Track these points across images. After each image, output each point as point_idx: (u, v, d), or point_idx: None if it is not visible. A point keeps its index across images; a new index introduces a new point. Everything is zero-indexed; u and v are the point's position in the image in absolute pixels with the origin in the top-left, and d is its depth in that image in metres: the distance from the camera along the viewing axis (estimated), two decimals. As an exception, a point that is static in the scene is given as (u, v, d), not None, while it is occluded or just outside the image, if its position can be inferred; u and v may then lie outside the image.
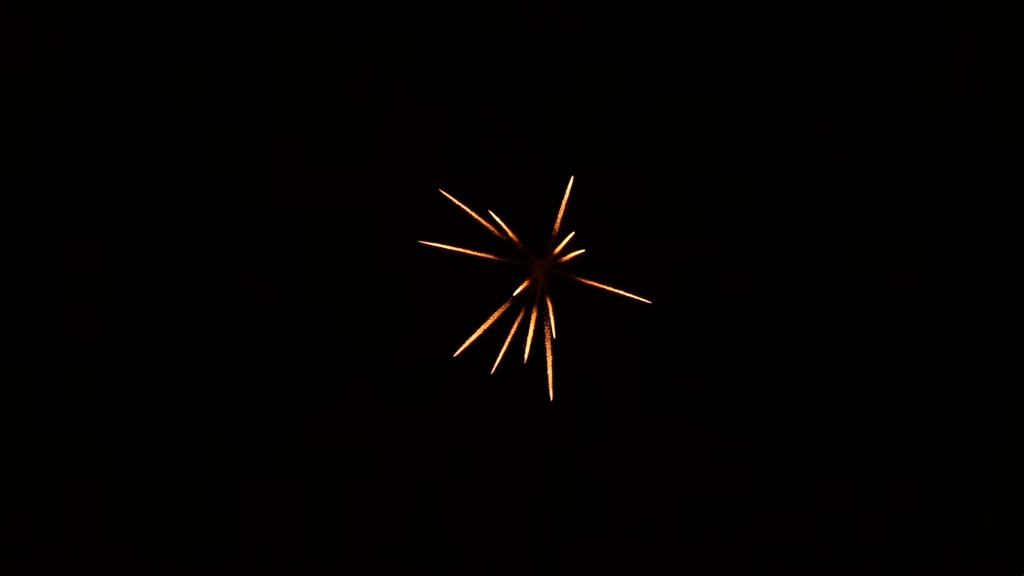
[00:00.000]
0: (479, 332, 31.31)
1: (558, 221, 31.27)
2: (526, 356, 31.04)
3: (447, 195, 31.47)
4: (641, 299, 31.02)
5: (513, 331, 31.46)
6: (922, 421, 26.00)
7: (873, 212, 28.07)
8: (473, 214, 31.06)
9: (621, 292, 31.59)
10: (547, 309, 31.59)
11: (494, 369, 31.45)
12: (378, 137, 31.51)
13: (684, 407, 31.57)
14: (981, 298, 26.20)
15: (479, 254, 31.44)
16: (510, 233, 31.27)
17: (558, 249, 31.42)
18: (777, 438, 27.66)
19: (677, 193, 31.80)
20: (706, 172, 30.71)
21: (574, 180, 31.07)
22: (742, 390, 29.80)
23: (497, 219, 30.91)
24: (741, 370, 29.93)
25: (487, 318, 31.59)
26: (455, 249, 31.19)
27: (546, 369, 31.70)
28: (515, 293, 31.20)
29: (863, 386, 26.97)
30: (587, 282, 31.69)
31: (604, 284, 31.65)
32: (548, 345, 31.66)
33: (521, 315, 31.70)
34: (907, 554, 25.52)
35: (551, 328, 31.44)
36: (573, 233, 30.68)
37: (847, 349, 27.35)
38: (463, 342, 31.34)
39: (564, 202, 31.15)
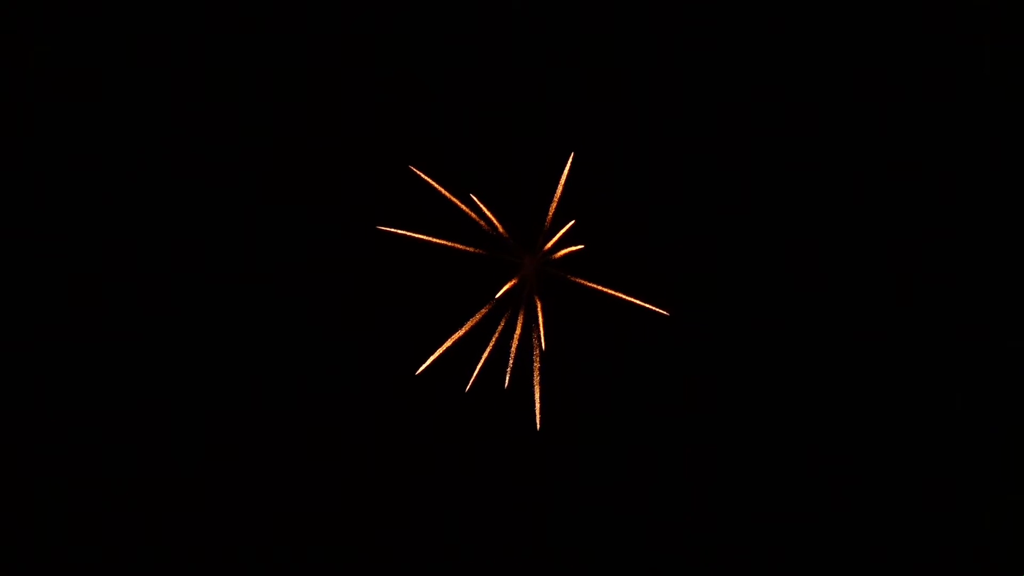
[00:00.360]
0: (450, 342, 28.09)
1: (552, 208, 28.05)
2: (508, 374, 28.12)
3: (419, 173, 27.95)
4: (655, 308, 27.98)
5: (493, 341, 28.30)
6: (922, 422, 26.14)
7: (880, 213, 27.72)
8: (450, 196, 27.92)
9: (628, 298, 28.32)
10: (536, 315, 28.26)
11: (469, 386, 28.24)
12: (342, 110, 29.48)
13: (697, 434, 28.93)
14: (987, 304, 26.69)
15: (454, 245, 28.21)
16: (494, 221, 28.01)
17: (552, 242, 28.11)
18: (783, 445, 27.19)
19: (692, 180, 29.12)
20: (721, 157, 28.73)
21: (573, 159, 27.93)
22: (763, 418, 27.96)
23: (479, 204, 27.71)
24: (763, 391, 28.00)
25: (462, 325, 28.36)
26: (423, 238, 28.06)
27: (533, 390, 28.45)
28: (498, 295, 27.95)
29: (860, 386, 26.83)
30: (586, 283, 28.41)
31: (607, 287, 28.42)
32: (536, 360, 28.53)
33: (504, 321, 28.49)
34: (907, 554, 25.68)
35: (540, 339, 28.13)
36: (572, 222, 27.46)
37: (850, 350, 27.27)
38: (431, 354, 28.20)
39: (560, 186, 27.97)
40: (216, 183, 29.00)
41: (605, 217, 28.77)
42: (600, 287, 28.43)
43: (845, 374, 27.55)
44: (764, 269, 28.68)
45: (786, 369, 27.88)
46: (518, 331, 28.47)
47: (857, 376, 27.49)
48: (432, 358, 28.20)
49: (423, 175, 28.07)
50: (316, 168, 29.35)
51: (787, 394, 27.80)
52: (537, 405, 28.53)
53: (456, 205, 28.08)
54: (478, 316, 28.45)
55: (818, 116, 28.31)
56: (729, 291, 28.94)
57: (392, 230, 28.13)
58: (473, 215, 28.08)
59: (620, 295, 28.41)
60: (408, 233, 28.21)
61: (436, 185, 28.07)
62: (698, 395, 29.13)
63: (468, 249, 28.29)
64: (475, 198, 27.74)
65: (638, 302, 28.34)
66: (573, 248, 28.15)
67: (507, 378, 28.29)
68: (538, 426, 28.49)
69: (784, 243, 28.62)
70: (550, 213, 28.25)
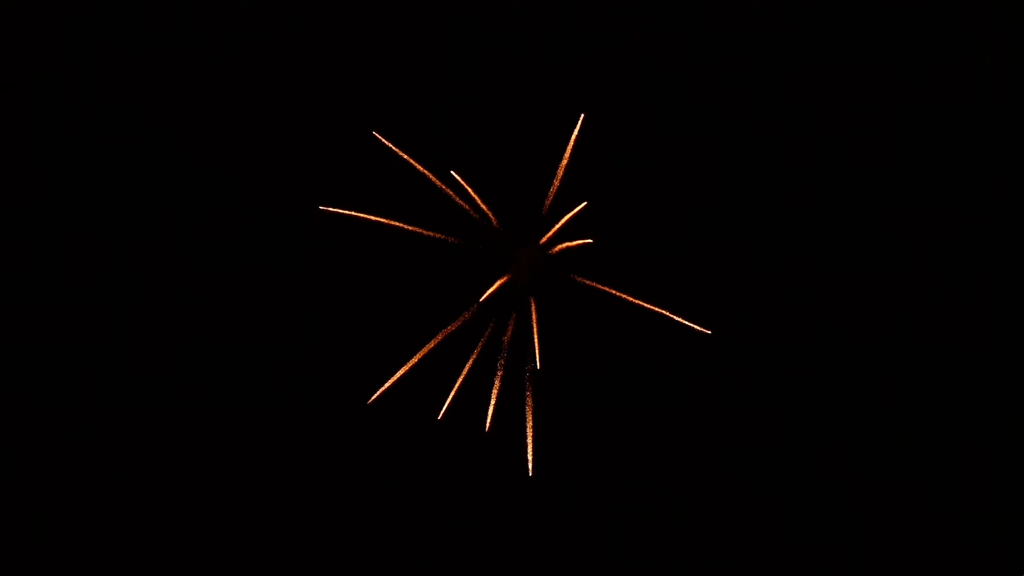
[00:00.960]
0: (417, 357, 24.96)
1: (553, 189, 25.07)
2: (492, 406, 25.02)
3: (384, 142, 24.85)
4: (686, 322, 25.05)
5: (473, 358, 25.15)
6: (922, 422, 26.99)
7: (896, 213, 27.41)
8: (426, 172, 24.85)
9: (650, 307, 25.06)
10: (530, 324, 24.96)
11: (442, 413, 24.99)
12: (296, 71, 26.75)
13: (730, 489, 26.51)
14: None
15: (429, 233, 25.27)
16: (481, 204, 24.94)
17: (552, 232, 25.03)
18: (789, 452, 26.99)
19: (731, 159, 26.64)
20: (762, 136, 26.83)
21: (582, 125, 24.74)
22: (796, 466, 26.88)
23: (462, 182, 24.60)
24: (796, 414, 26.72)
25: (435, 335, 25.25)
26: (388, 223, 24.97)
27: (525, 425, 25.40)
28: (482, 298, 24.77)
29: (860, 384, 27.06)
30: (594, 285, 25.32)
31: (620, 291, 25.23)
32: (528, 383, 25.28)
33: (488, 333, 25.46)
34: (908, 554, 26.42)
35: (535, 355, 24.74)
36: (583, 205, 24.37)
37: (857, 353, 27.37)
38: (392, 373, 25.04)
39: (564, 161, 24.86)
40: (152, 158, 26.83)
41: (620, 202, 25.93)
42: (612, 291, 25.31)
43: (845, 374, 27.14)
44: (812, 274, 26.76)
45: (807, 377, 26.90)
46: (505, 346, 25.47)
47: (856, 376, 27.14)
48: (392, 380, 24.82)
49: (391, 145, 24.83)
50: (256, 136, 26.29)
51: (797, 400, 26.98)
52: (529, 442, 25.33)
53: (433, 184, 25.10)
54: (454, 325, 25.23)
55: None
56: (773, 301, 26.66)
57: (341, 211, 24.86)
58: (454, 196, 25.08)
59: (639, 303, 25.12)
60: (366, 216, 24.84)
61: (408, 158, 24.80)
62: (733, 433, 26.41)
63: (446, 239, 25.34)
64: (456, 176, 24.53)
65: (664, 313, 25.04)
66: (579, 242, 24.98)
67: (490, 409, 24.89)
68: (530, 471, 25.30)
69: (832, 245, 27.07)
70: (550, 195, 25.20)
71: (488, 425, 24.85)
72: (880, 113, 27.19)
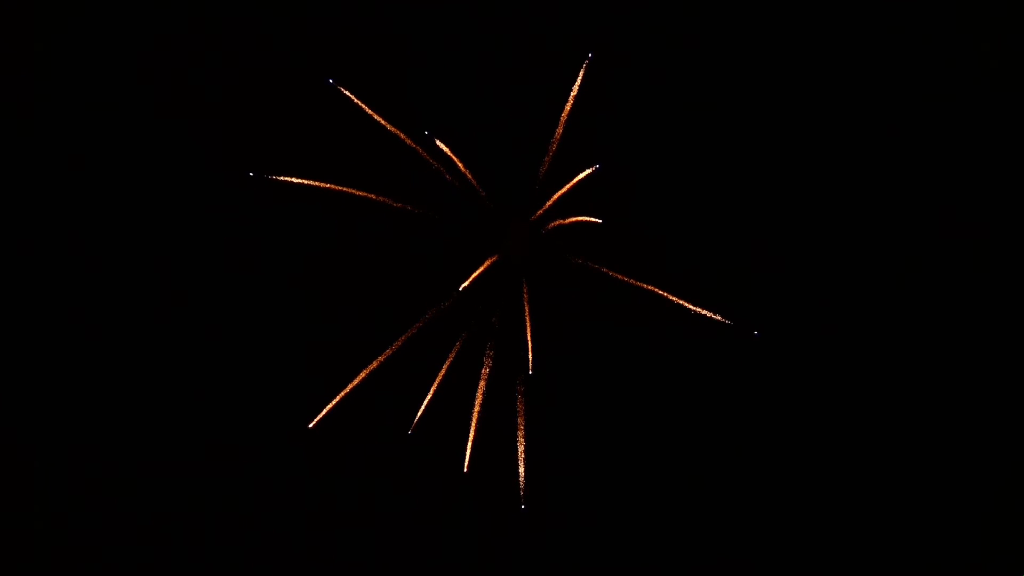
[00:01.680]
0: (375, 364, 22.28)
1: (551, 151, 22.54)
2: (471, 436, 22.38)
3: (346, 93, 22.11)
4: (713, 315, 22.51)
5: (450, 360, 22.38)
6: (923, 422, 26.67)
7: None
8: (399, 134, 22.34)
9: (669, 296, 22.37)
10: (523, 317, 22.33)
11: (412, 428, 22.26)
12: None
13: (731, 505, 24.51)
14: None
15: (401, 206, 22.61)
16: (465, 172, 22.48)
17: (551, 202, 22.52)
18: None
19: (766, 120, 24.20)
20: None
21: (588, 67, 21.99)
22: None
23: (444, 148, 22.14)
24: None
25: (405, 332, 22.46)
26: (352, 193, 22.29)
27: (515, 447, 22.68)
28: (462, 286, 22.08)
29: (860, 384, 26.49)
30: (600, 269, 22.71)
31: (632, 277, 22.50)
32: (519, 393, 22.43)
33: (471, 328, 22.90)
34: (907, 554, 25.98)
35: (528, 356, 21.89)
36: (593, 169, 21.88)
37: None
38: (347, 384, 22.37)
39: (564, 116, 22.23)
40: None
41: (630, 170, 23.16)
42: (620, 276, 22.52)
43: (847, 374, 26.46)
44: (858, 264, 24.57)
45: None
46: (491, 345, 22.65)
47: (857, 376, 26.49)
48: (344, 392, 21.72)
49: (356, 99, 21.96)
50: (200, 94, 23.50)
51: (840, 414, 26.20)
52: (521, 469, 22.45)
53: (408, 148, 22.50)
54: (430, 314, 22.29)
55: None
56: (817, 291, 24.29)
57: (295, 180, 22.02)
58: (433, 162, 22.53)
59: (654, 290, 22.15)
60: (326, 186, 21.93)
61: (377, 117, 21.97)
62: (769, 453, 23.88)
63: (423, 213, 22.70)
64: (440, 143, 21.85)
65: (685, 304, 22.13)
66: (581, 218, 22.25)
67: (470, 437, 21.74)
68: (521, 501, 22.54)
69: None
70: (548, 158, 22.49)
71: (467, 463, 21.79)
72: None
